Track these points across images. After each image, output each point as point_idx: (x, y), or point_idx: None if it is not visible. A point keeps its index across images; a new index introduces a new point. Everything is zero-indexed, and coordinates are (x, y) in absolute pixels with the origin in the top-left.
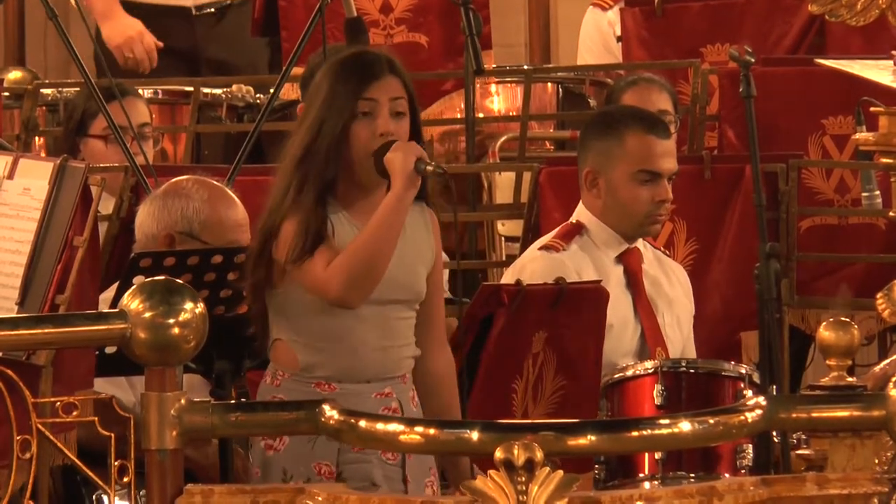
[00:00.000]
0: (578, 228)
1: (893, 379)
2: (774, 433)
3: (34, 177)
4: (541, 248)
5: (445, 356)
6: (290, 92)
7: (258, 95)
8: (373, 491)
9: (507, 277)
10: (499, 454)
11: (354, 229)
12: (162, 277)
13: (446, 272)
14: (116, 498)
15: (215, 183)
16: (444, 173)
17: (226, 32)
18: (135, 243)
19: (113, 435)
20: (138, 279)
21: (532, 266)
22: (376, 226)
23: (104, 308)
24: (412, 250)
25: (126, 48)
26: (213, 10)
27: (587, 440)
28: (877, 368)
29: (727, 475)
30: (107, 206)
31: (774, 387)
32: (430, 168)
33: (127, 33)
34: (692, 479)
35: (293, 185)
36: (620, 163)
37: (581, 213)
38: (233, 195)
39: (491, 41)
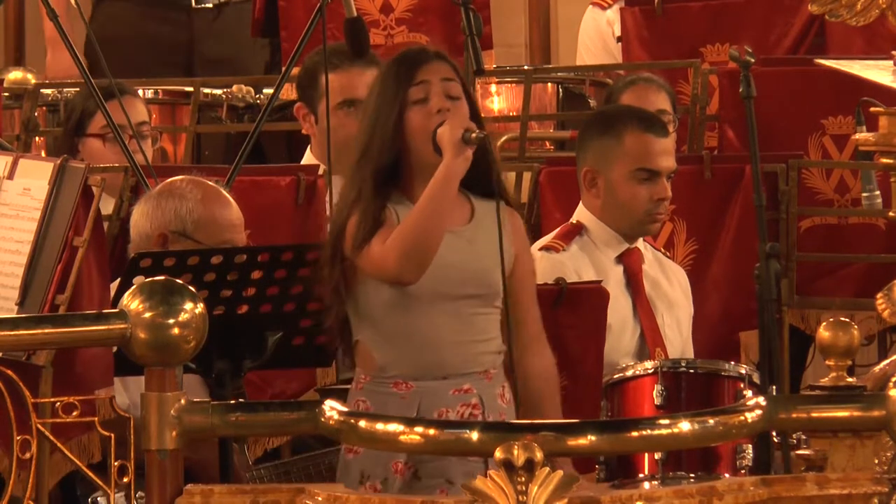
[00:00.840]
0: (578, 229)
1: (893, 379)
2: (774, 433)
3: (34, 177)
4: (541, 249)
5: (540, 360)
6: (290, 92)
7: (258, 95)
8: (449, 489)
9: None
10: (498, 454)
11: None
12: (162, 278)
13: None
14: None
15: (210, 183)
16: (485, 137)
17: (223, 29)
18: (129, 243)
19: (113, 435)
20: (138, 279)
21: None
22: (428, 197)
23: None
24: (485, 245)
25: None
26: (210, 5)
27: (587, 440)
28: (876, 369)
29: (727, 475)
30: (107, 206)
31: (774, 387)
32: (474, 135)
33: (70, 72)
34: (692, 480)
35: (356, 181)
36: (619, 162)
37: (581, 214)
38: (227, 195)
39: (492, 41)
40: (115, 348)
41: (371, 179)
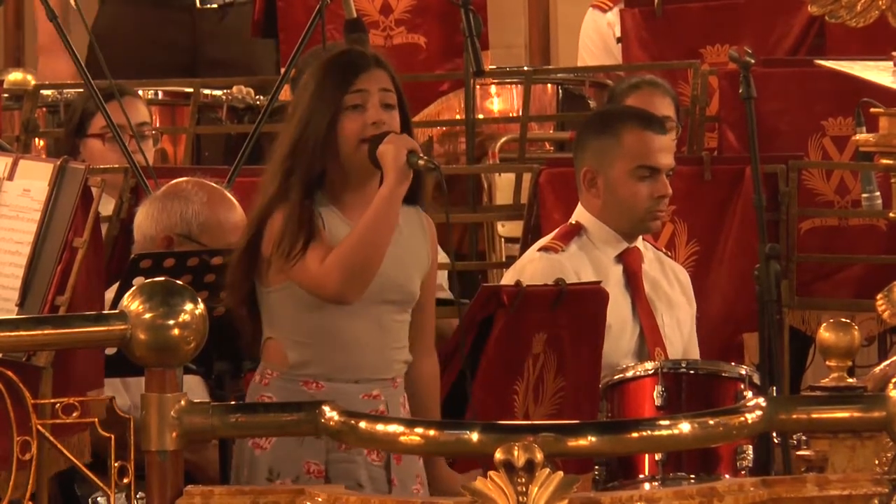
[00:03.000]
0: (577, 229)
1: (893, 380)
2: (774, 434)
3: (34, 178)
4: (540, 250)
5: (431, 363)
6: (289, 93)
7: (258, 97)
8: (360, 492)
9: (507, 279)
10: (499, 455)
11: (345, 225)
12: (162, 279)
13: (443, 272)
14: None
15: (214, 185)
16: (435, 168)
17: (228, 30)
18: (133, 244)
19: (113, 436)
20: (138, 280)
21: (531, 267)
22: (370, 220)
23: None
24: (407, 252)
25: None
26: (215, 5)
27: (587, 441)
28: (877, 370)
29: (727, 476)
30: (107, 207)
31: (774, 388)
32: (421, 162)
33: (63, 79)
34: (692, 480)
35: (280, 182)
36: (618, 160)
37: (580, 214)
38: (231, 197)
39: (488, 42)
40: (111, 350)
41: (301, 182)
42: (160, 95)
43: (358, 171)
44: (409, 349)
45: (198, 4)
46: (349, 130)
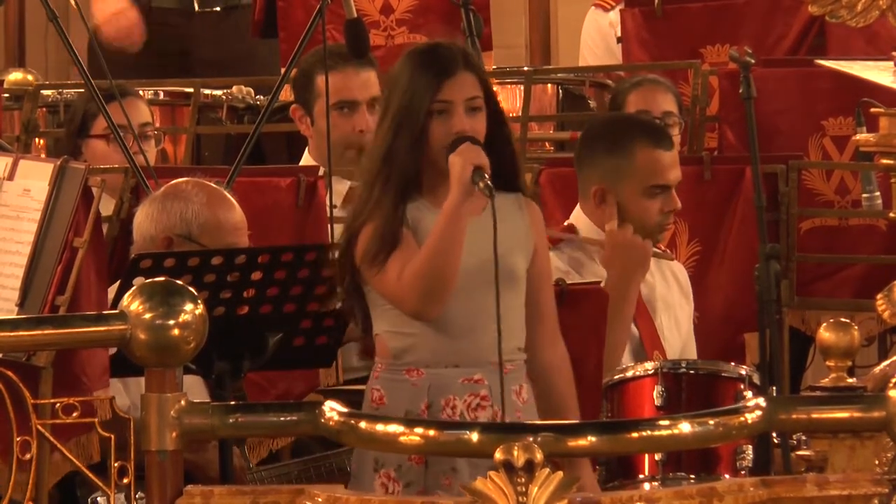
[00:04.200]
0: (570, 234)
1: (893, 380)
2: (774, 434)
3: (34, 178)
4: None
5: (558, 351)
6: (289, 93)
7: (258, 97)
8: (453, 476)
9: None
10: (499, 455)
11: (435, 215)
12: (162, 279)
13: None
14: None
15: (213, 185)
16: (490, 195)
17: (228, 33)
18: (132, 245)
19: (113, 436)
20: (138, 280)
21: None
22: (438, 235)
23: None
24: (503, 235)
25: (110, 26)
26: (218, 8)
27: (587, 441)
28: (877, 370)
29: (727, 476)
30: (107, 207)
31: (774, 388)
32: (482, 183)
33: (108, 11)
34: (692, 480)
35: (376, 185)
36: (631, 179)
37: (577, 217)
38: (231, 198)
39: (491, 42)
40: (113, 349)
41: (395, 189)
42: (160, 95)
43: (445, 173)
44: (530, 340)
45: (197, 8)
46: (435, 136)
